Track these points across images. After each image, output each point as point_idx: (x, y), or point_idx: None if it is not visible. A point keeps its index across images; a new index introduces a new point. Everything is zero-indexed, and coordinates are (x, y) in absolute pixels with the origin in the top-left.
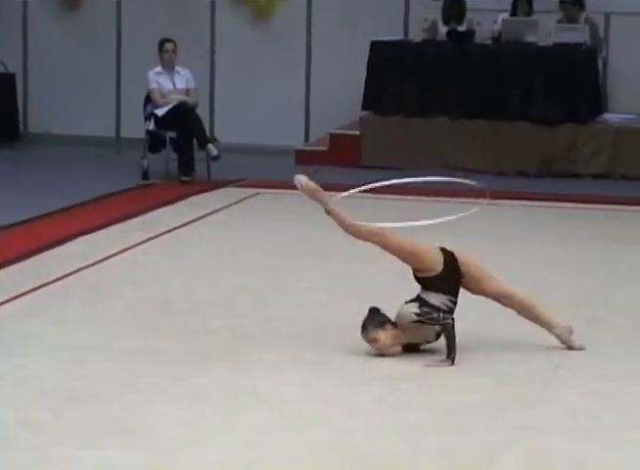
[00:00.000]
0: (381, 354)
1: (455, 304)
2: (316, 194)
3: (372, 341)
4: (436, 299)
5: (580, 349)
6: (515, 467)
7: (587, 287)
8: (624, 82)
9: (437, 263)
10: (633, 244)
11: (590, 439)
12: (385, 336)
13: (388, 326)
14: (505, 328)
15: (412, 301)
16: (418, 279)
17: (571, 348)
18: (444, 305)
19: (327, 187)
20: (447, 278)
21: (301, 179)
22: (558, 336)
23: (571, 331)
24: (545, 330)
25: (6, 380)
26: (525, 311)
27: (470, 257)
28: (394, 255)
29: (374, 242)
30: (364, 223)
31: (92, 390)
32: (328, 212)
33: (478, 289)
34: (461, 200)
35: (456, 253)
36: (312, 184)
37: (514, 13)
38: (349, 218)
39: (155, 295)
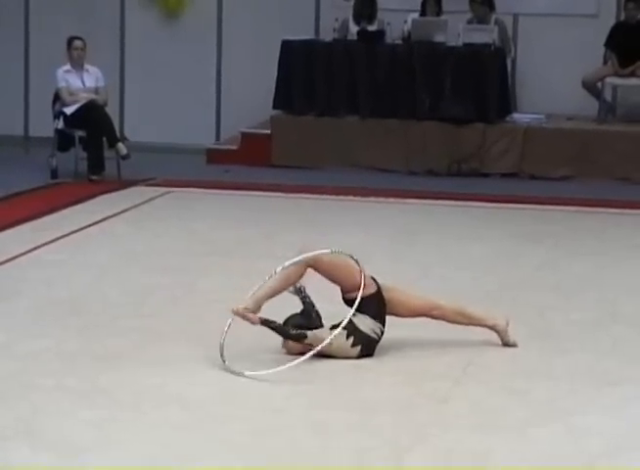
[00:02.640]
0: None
1: (382, 334)
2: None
3: (283, 345)
4: (366, 324)
5: (514, 345)
6: (424, 463)
7: (496, 284)
8: (532, 83)
9: (371, 283)
10: (540, 241)
11: (498, 435)
12: (296, 346)
13: (304, 341)
14: (414, 326)
15: (336, 326)
16: (348, 301)
17: (506, 343)
18: (374, 332)
19: (238, 186)
20: (377, 303)
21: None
22: (494, 327)
23: (507, 323)
24: (484, 327)
25: None
26: (459, 317)
27: (391, 284)
28: (329, 276)
29: (311, 269)
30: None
31: None
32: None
33: (407, 310)
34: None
35: (379, 281)
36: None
37: (424, 13)
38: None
39: (63, 294)
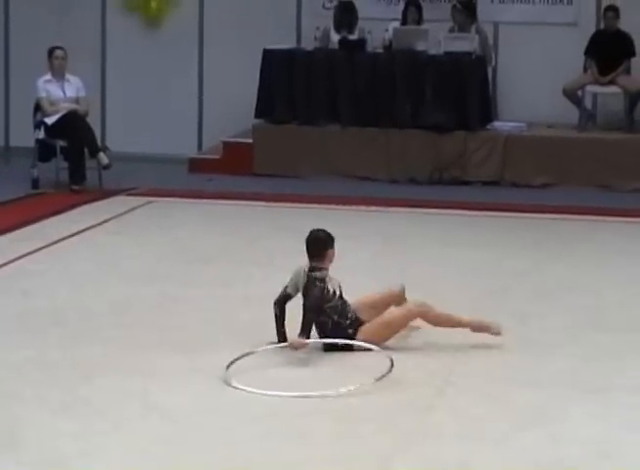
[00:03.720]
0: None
1: None
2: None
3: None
4: None
5: (497, 333)
6: None
7: (477, 292)
8: (513, 91)
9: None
10: (522, 248)
11: (481, 443)
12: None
13: None
14: (398, 335)
15: None
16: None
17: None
18: None
19: (221, 195)
20: None
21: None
22: (469, 324)
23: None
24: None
25: None
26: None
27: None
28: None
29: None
30: None
31: None
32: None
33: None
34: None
35: None
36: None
37: (405, 21)
38: None
39: (44, 304)
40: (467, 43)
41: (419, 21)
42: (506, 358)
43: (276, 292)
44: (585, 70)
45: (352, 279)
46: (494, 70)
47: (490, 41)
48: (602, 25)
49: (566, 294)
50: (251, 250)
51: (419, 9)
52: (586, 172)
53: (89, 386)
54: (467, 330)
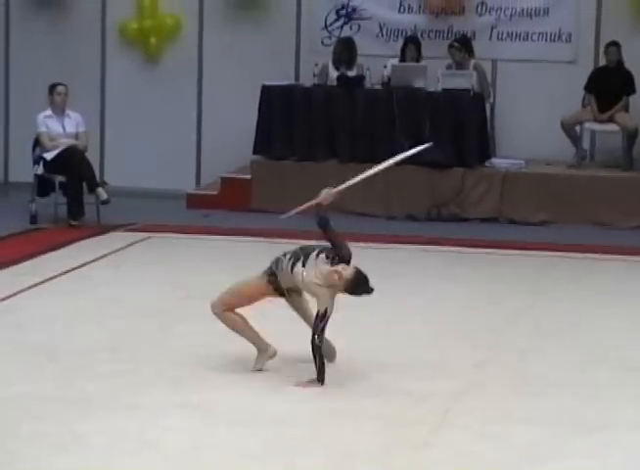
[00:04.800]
0: (269, 395)
1: None
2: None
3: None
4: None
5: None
6: None
7: (474, 329)
8: (511, 128)
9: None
10: (520, 286)
11: None
12: None
13: None
14: (394, 371)
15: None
16: None
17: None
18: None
19: (218, 231)
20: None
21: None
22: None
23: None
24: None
25: None
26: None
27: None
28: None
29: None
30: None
31: None
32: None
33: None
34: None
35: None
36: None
37: (404, 59)
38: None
39: (40, 339)
40: (465, 80)
41: (418, 58)
42: (504, 395)
43: (273, 328)
44: (584, 106)
45: (347, 313)
46: (492, 107)
47: (489, 78)
48: (600, 63)
49: (565, 331)
50: None
51: (418, 46)
52: (585, 210)
53: (85, 422)
54: (460, 366)
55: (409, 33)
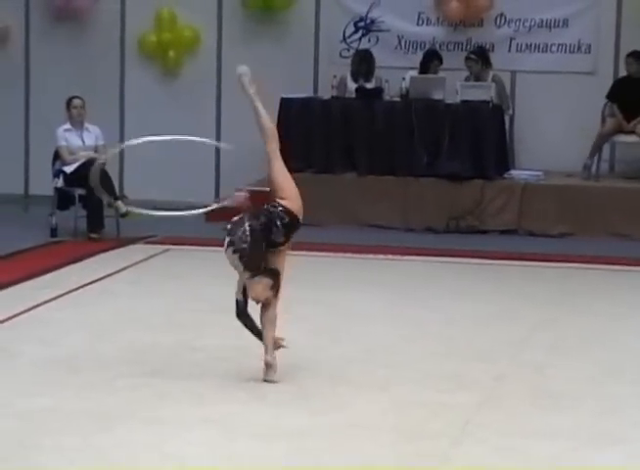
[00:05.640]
0: (287, 409)
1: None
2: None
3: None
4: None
5: (272, 381)
6: None
7: (493, 342)
8: (530, 139)
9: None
10: (539, 299)
11: None
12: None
13: None
14: (411, 385)
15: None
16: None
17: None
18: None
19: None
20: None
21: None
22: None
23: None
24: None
25: None
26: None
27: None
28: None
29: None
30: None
31: None
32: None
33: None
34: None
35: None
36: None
37: (423, 70)
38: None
39: (61, 353)
40: (484, 92)
41: (436, 70)
42: (524, 409)
43: (293, 341)
44: (603, 117)
45: (366, 328)
46: (512, 119)
47: (508, 90)
48: (620, 74)
49: (584, 345)
50: None
51: (441, 61)
52: (604, 222)
53: (106, 435)
54: (479, 380)
55: (428, 45)
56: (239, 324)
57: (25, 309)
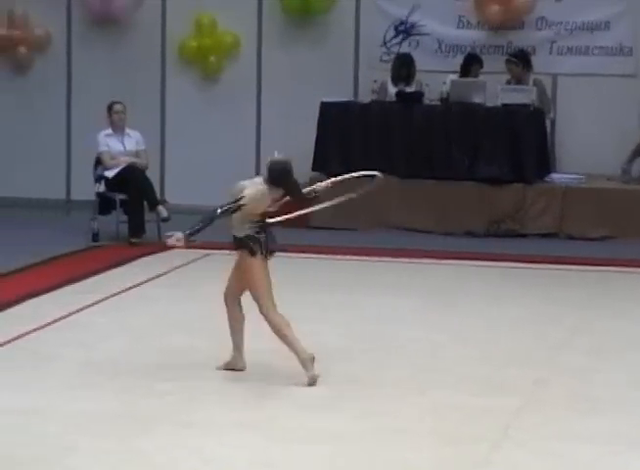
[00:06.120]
0: (325, 413)
1: None
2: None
3: None
4: None
5: (313, 381)
6: None
7: (532, 346)
8: (571, 143)
9: None
10: (577, 302)
11: None
12: None
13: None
14: (450, 388)
15: None
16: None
17: (309, 379)
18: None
19: (277, 248)
20: None
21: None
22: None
23: (313, 358)
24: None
25: None
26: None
27: None
28: None
29: None
30: None
31: (37, 454)
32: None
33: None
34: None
35: None
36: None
37: (464, 74)
38: None
39: (101, 356)
40: (524, 95)
41: (477, 74)
42: (563, 413)
43: (328, 344)
44: None
45: (404, 332)
46: (553, 123)
47: (549, 93)
48: None
49: (623, 349)
50: (305, 303)
51: (481, 65)
52: None
53: (146, 438)
54: (518, 384)
55: (468, 49)
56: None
57: (67, 314)
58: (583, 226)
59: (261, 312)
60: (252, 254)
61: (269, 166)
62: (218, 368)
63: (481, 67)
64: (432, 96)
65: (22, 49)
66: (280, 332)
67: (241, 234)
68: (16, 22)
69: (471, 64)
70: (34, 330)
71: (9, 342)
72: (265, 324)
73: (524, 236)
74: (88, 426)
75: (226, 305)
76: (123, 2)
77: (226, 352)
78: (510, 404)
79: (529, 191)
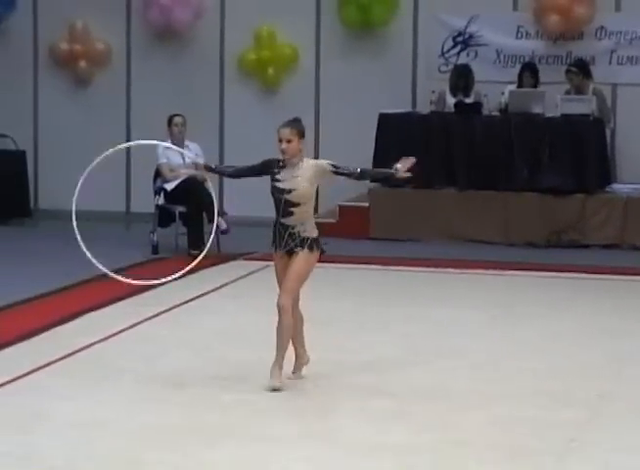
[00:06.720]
0: (390, 424)
1: None
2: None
3: None
4: None
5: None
6: None
7: (595, 358)
8: (633, 153)
9: None
10: None
11: None
12: None
13: None
14: (513, 401)
15: None
16: None
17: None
18: None
19: (336, 259)
20: None
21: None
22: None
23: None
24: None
25: (11, 458)
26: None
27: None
28: None
29: None
30: None
31: (102, 467)
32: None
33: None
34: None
35: None
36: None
37: (521, 84)
38: None
39: (164, 369)
40: (584, 105)
41: (535, 84)
42: (630, 426)
43: (389, 355)
44: None
45: (465, 344)
46: (613, 132)
47: (608, 103)
48: None
49: None
50: (367, 314)
51: (535, 73)
52: None
53: (210, 452)
54: (582, 397)
55: (527, 59)
56: (340, 340)
57: (129, 326)
58: None
59: (285, 302)
60: (322, 252)
61: None
62: (289, 378)
63: (534, 74)
64: (490, 106)
65: (83, 63)
66: (290, 330)
67: (314, 234)
68: (76, 36)
69: (522, 72)
70: (97, 342)
71: (72, 354)
72: (325, 334)
73: (585, 247)
74: (152, 439)
75: (287, 310)
76: (183, 15)
77: (287, 364)
78: (574, 418)
79: (591, 201)
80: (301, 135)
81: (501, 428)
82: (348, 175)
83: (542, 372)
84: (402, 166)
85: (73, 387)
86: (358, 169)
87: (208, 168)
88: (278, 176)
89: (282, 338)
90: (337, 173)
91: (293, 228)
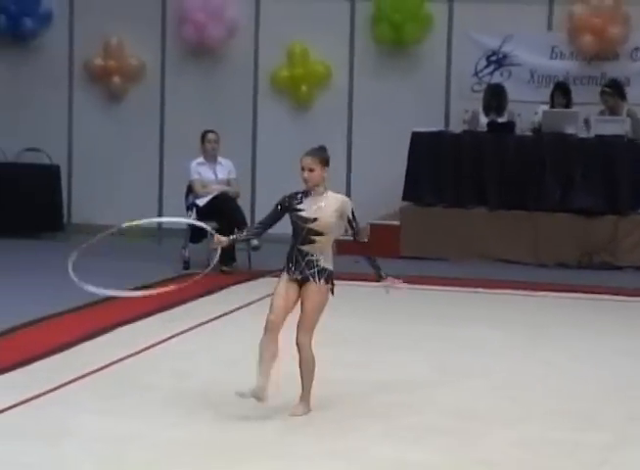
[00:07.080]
0: (411, 445)
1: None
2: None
3: None
4: None
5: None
6: None
7: (626, 381)
8: None
9: None
10: None
11: None
12: None
13: None
14: (540, 422)
15: None
16: None
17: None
18: None
19: (366, 277)
20: None
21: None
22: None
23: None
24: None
25: None
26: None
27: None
28: None
29: None
30: None
31: None
32: None
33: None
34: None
35: None
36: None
37: (553, 104)
38: None
39: (194, 385)
40: (618, 126)
41: (567, 104)
42: None
43: (417, 374)
44: None
45: (494, 364)
46: None
47: None
48: None
49: None
50: (395, 333)
51: (566, 93)
52: None
53: (239, 468)
54: (613, 418)
55: (560, 79)
56: (368, 357)
57: (159, 341)
58: None
59: (305, 340)
60: (333, 287)
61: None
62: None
63: (565, 94)
64: (523, 126)
65: (117, 79)
66: (312, 362)
67: (331, 267)
68: (111, 52)
69: (553, 92)
70: (128, 357)
71: (102, 368)
72: (351, 352)
73: (618, 268)
74: (181, 455)
75: (306, 347)
76: (217, 32)
77: (321, 381)
78: (602, 440)
79: (623, 222)
80: (325, 163)
81: (527, 449)
82: (353, 234)
83: (570, 393)
84: (391, 282)
85: (102, 401)
86: (365, 239)
87: (235, 240)
88: (301, 206)
89: (307, 373)
90: (349, 222)
91: (312, 256)
